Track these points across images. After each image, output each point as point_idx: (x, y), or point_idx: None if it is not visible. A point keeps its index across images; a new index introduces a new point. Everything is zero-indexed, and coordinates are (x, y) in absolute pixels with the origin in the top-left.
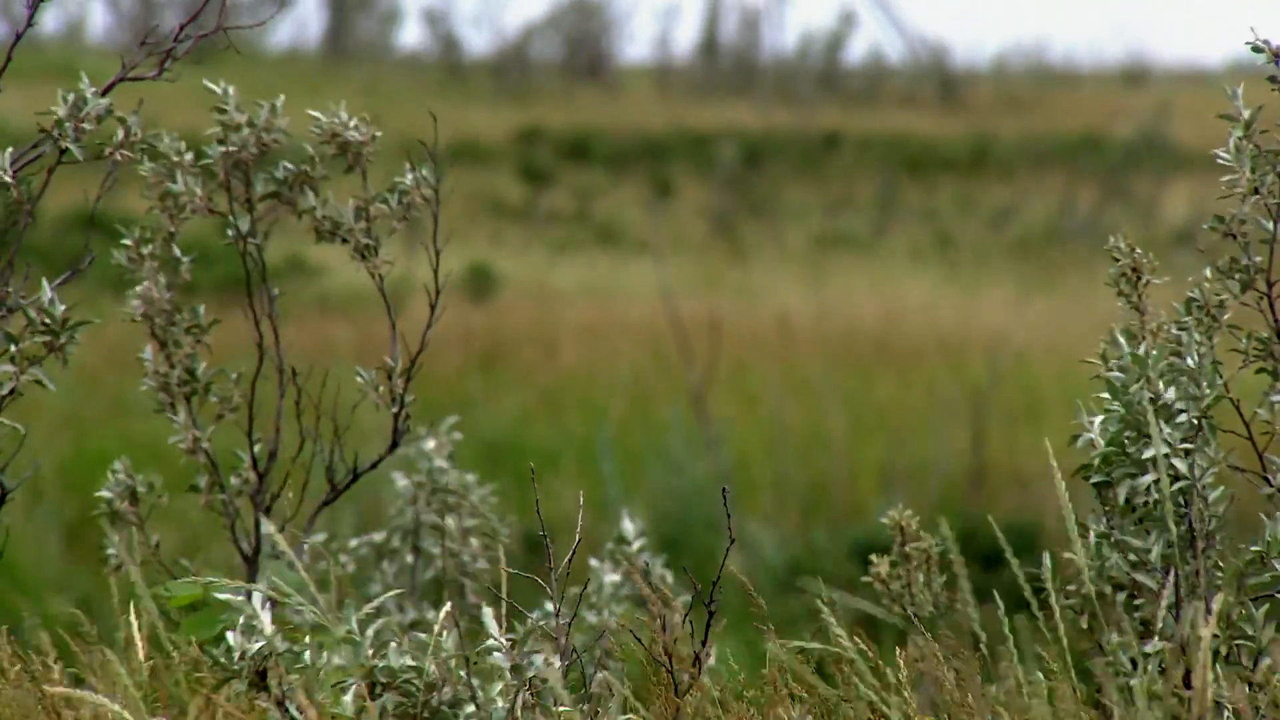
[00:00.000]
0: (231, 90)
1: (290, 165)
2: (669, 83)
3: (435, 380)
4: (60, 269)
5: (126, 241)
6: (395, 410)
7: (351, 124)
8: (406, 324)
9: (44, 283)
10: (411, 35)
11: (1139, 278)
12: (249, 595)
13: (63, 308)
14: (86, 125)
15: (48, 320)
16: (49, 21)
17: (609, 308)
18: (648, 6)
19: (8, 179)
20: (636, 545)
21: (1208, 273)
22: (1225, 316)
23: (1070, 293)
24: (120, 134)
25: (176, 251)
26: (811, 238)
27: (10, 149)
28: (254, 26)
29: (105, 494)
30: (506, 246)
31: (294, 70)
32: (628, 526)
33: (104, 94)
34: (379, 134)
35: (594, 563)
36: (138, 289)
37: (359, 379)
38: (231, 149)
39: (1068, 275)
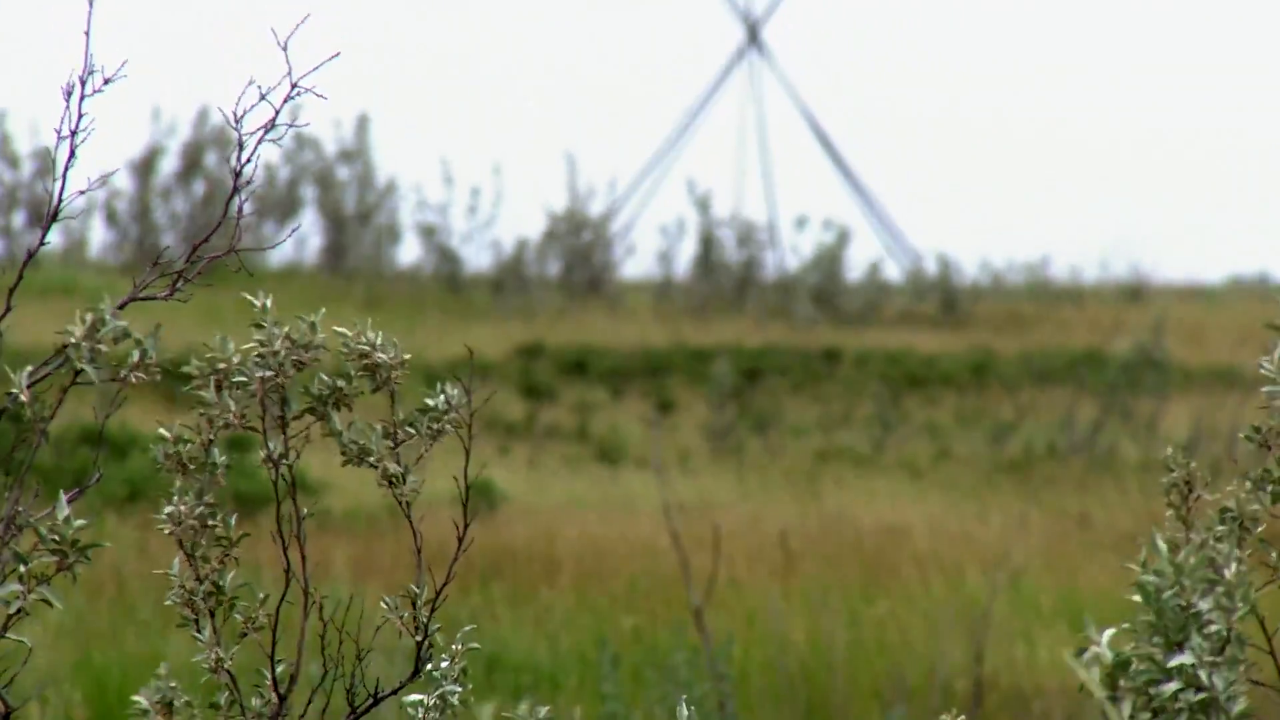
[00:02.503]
0: (270, 302)
1: (327, 379)
2: (669, 299)
3: (443, 601)
4: (61, 485)
5: (165, 434)
6: (419, 639)
7: (379, 344)
8: (409, 537)
9: (61, 498)
10: (410, 251)
11: (1190, 490)
12: None
13: (79, 523)
14: (103, 347)
15: (58, 538)
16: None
17: (609, 523)
18: (647, 223)
19: (24, 398)
20: None
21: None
22: (1259, 529)
23: (1070, 509)
24: (136, 355)
25: (216, 455)
26: (812, 453)
27: (29, 367)
28: (265, 250)
29: (141, 700)
30: (507, 462)
31: (295, 286)
32: None
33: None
34: (408, 357)
35: None
36: (168, 507)
37: (383, 605)
38: (268, 373)
39: (1068, 492)
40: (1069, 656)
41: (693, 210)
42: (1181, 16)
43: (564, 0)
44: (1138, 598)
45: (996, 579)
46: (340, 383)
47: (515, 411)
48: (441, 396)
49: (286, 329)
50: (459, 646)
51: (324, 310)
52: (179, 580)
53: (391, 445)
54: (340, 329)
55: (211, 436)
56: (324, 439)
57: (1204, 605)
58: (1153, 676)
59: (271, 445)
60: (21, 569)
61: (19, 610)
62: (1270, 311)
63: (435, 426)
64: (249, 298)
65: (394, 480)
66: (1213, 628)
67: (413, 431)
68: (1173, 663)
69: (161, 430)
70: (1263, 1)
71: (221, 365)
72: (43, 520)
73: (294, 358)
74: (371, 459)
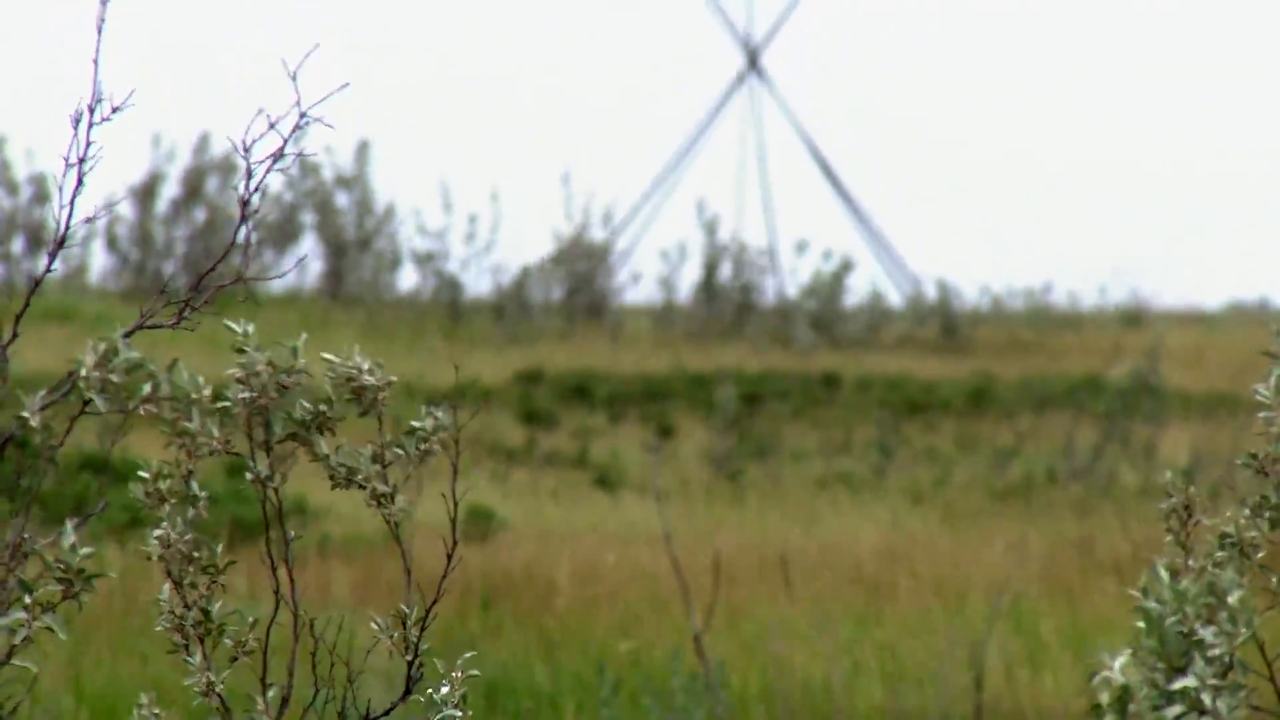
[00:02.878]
0: (251, 329)
1: (308, 405)
2: (670, 324)
3: (433, 620)
4: (62, 510)
5: (144, 474)
6: (409, 659)
7: (366, 368)
8: (409, 566)
9: (67, 526)
10: (410, 277)
11: (1189, 515)
12: None
13: (85, 551)
14: (114, 378)
15: (63, 566)
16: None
17: (609, 548)
18: (647, 248)
19: (34, 423)
20: None
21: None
22: (1259, 555)
23: (1069, 534)
24: (148, 388)
25: (195, 488)
26: (812, 478)
27: (42, 392)
28: (270, 279)
29: None
30: (507, 487)
31: (295, 312)
32: None
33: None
34: (394, 379)
35: None
36: (156, 532)
37: (373, 626)
38: (252, 394)
39: (1067, 518)
40: (1095, 678)
41: (699, 233)
42: (1181, 43)
43: (563, 26)
44: (1140, 624)
45: (997, 604)
46: (323, 407)
47: (515, 437)
48: (429, 419)
49: (268, 354)
50: (459, 674)
51: (306, 336)
52: (168, 606)
53: (380, 466)
54: (327, 355)
55: (190, 468)
56: (323, 464)
57: (1206, 632)
58: (1155, 702)
59: (259, 466)
60: (27, 598)
61: (24, 638)
62: (1269, 338)
63: (423, 447)
64: (230, 325)
65: (382, 500)
66: (1215, 651)
67: (400, 452)
68: (1176, 685)
69: (141, 473)
70: (1262, 28)
71: (194, 397)
72: (49, 548)
73: (277, 380)
74: (359, 479)
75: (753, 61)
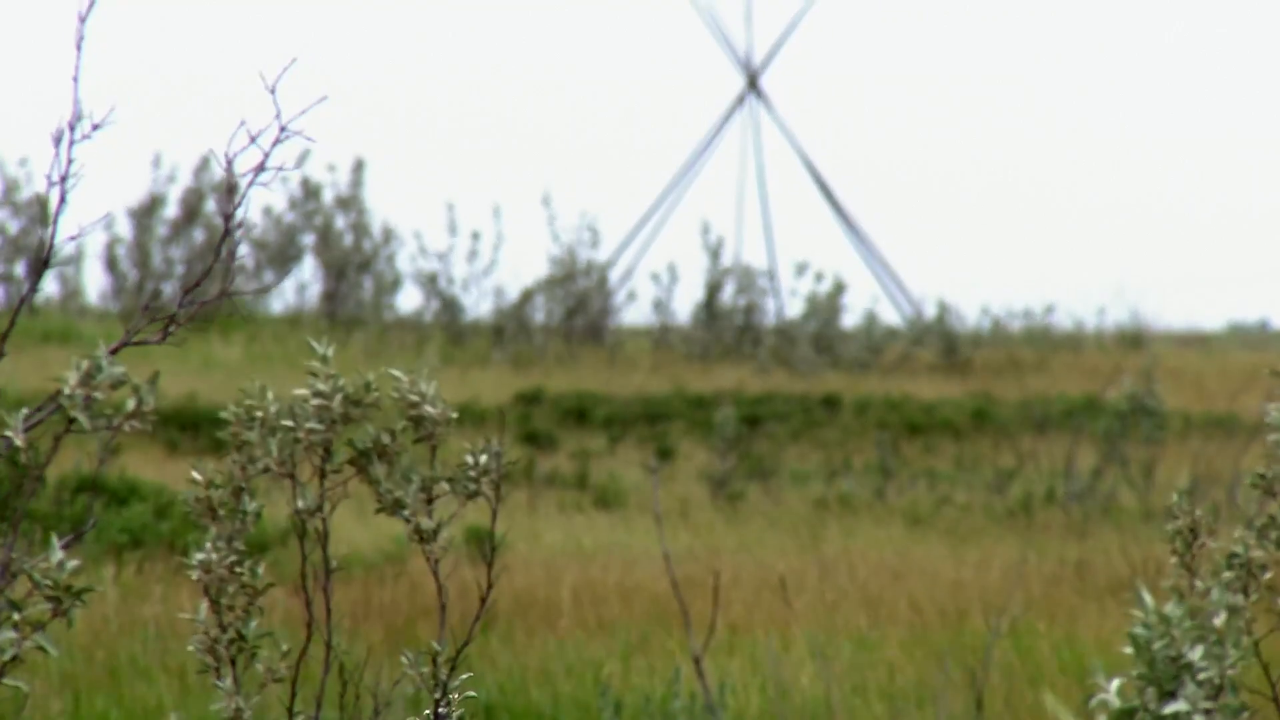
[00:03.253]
0: (330, 352)
1: (372, 430)
2: (669, 345)
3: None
4: (60, 533)
5: (196, 476)
6: (437, 696)
7: (430, 396)
8: (409, 584)
9: (54, 541)
10: (410, 298)
11: (1194, 537)
12: None
13: (73, 564)
14: (98, 395)
15: (51, 583)
16: (45, 286)
17: (609, 570)
18: (647, 269)
19: (19, 442)
20: None
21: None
22: (1266, 576)
23: (1069, 556)
24: (132, 403)
25: (246, 503)
26: (812, 500)
27: (25, 409)
28: (257, 294)
29: None
30: (506, 508)
31: (296, 333)
32: None
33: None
34: (455, 414)
35: None
36: (199, 555)
37: (403, 661)
38: (322, 425)
39: (1067, 539)
40: (1092, 701)
41: (703, 255)
42: (1181, 68)
43: (563, 48)
44: (1129, 649)
45: (996, 626)
46: (385, 437)
47: (514, 458)
48: (483, 455)
49: (343, 382)
50: (456, 695)
51: (331, 351)
52: (204, 627)
53: (426, 500)
54: (395, 372)
55: (244, 484)
56: (327, 483)
57: (1194, 655)
58: None
59: (306, 495)
60: (16, 616)
61: (13, 657)
62: (1270, 359)
63: (473, 486)
64: (313, 343)
65: (425, 536)
66: (1205, 674)
67: (447, 488)
68: (1168, 710)
69: (194, 474)
70: (1261, 54)
71: (259, 413)
72: (37, 566)
73: (344, 412)
74: (405, 512)
75: (752, 83)
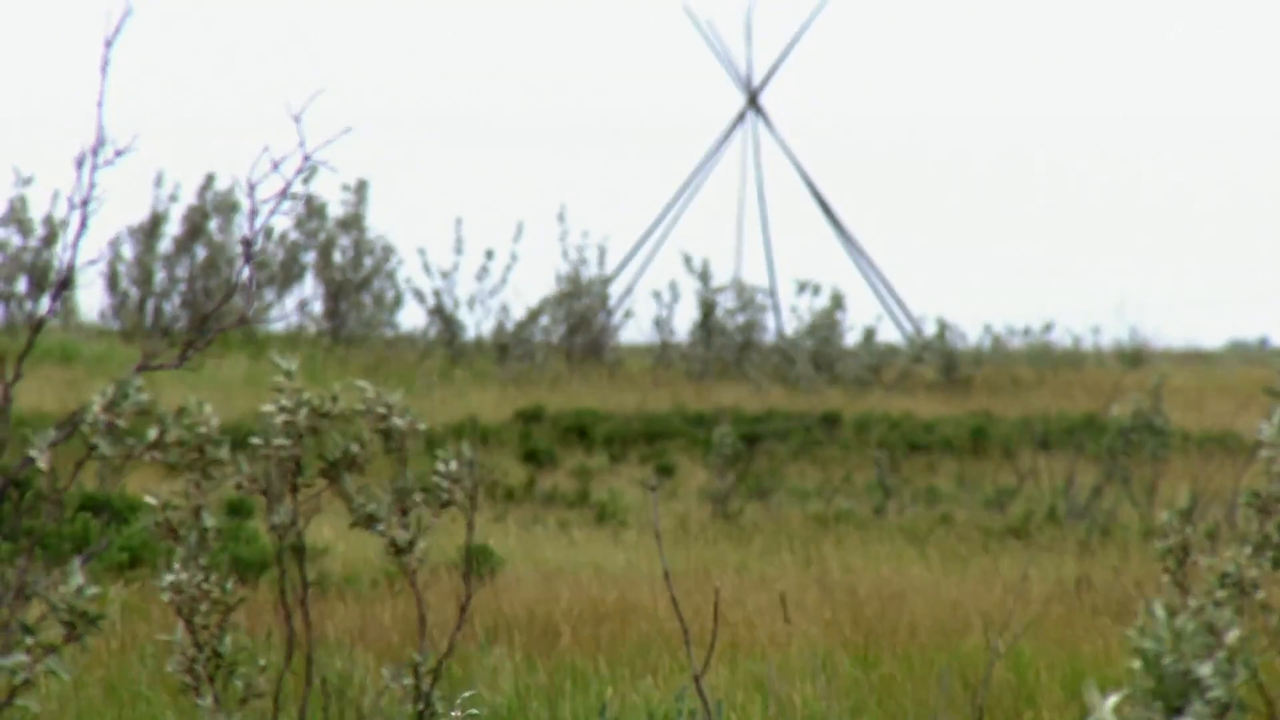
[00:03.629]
0: (294, 367)
1: (340, 440)
2: (669, 363)
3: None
4: (61, 550)
5: (151, 500)
6: (420, 708)
7: (397, 409)
8: (408, 602)
9: (75, 565)
10: (411, 316)
11: (1186, 555)
12: None
13: (91, 591)
14: (120, 422)
15: (68, 608)
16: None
17: (609, 588)
18: (647, 287)
19: (42, 465)
20: None
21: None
22: (1259, 594)
23: (1070, 574)
24: (154, 433)
25: (205, 520)
26: (812, 517)
27: (51, 432)
28: (264, 313)
29: None
30: (507, 527)
31: (297, 351)
32: None
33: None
34: (423, 426)
35: None
36: (168, 578)
37: (383, 674)
38: (289, 441)
39: (1068, 557)
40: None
41: (691, 279)
42: (1183, 84)
43: (562, 64)
44: (1137, 664)
45: (996, 644)
46: (354, 447)
47: (515, 477)
48: (452, 463)
49: (308, 396)
50: (458, 713)
51: (336, 383)
52: (180, 647)
53: (400, 513)
54: (362, 383)
55: (201, 502)
56: (329, 503)
57: (1204, 671)
58: None
59: (280, 511)
60: (29, 640)
61: (25, 680)
62: (1271, 375)
63: (445, 496)
64: (275, 359)
65: (401, 548)
66: (1214, 693)
67: (419, 500)
68: None
69: (148, 498)
70: (1262, 68)
71: (202, 430)
72: (51, 590)
73: (311, 425)
74: (380, 526)
75: (752, 100)
